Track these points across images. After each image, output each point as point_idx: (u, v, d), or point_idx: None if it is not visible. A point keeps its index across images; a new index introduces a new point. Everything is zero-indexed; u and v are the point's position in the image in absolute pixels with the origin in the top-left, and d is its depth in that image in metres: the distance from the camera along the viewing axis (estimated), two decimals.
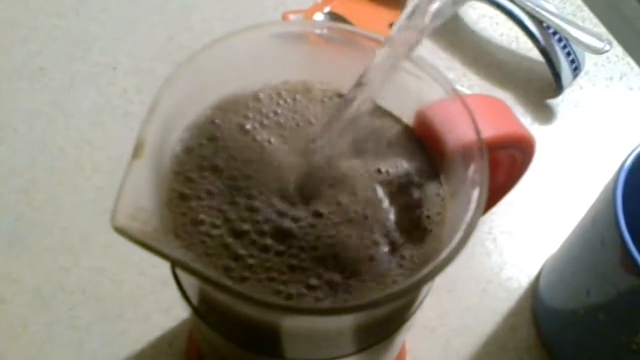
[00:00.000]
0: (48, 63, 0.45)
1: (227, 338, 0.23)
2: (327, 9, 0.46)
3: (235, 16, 0.49)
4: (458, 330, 0.38)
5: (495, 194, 0.29)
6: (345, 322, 0.22)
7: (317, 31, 0.25)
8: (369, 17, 0.47)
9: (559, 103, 0.48)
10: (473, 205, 0.20)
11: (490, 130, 0.23)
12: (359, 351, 0.24)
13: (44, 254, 0.38)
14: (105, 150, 0.41)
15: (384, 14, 0.47)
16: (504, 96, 0.47)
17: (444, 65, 0.48)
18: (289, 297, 0.20)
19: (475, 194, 0.21)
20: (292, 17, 0.45)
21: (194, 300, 0.23)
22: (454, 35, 0.50)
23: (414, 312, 0.25)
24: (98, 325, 0.36)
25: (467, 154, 0.22)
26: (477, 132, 0.22)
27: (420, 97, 0.24)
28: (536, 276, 0.40)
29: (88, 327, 0.36)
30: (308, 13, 0.46)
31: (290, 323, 0.22)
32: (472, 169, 0.22)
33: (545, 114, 0.47)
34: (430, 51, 0.49)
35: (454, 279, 0.40)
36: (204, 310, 0.23)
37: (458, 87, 0.43)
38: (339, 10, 0.46)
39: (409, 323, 0.25)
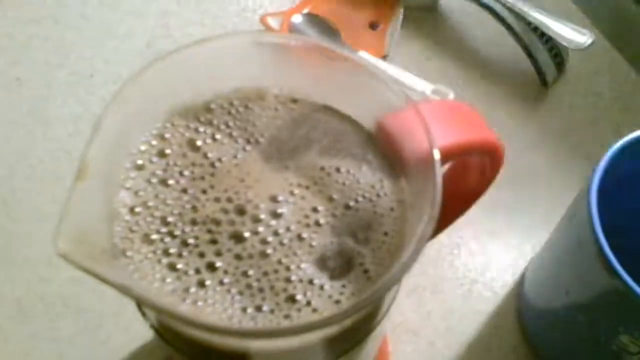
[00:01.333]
0: (25, 72, 0.45)
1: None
2: (306, 10, 0.46)
3: (213, 21, 0.48)
4: (442, 332, 0.38)
5: (467, 198, 0.29)
6: (308, 338, 0.22)
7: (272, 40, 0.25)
8: (348, 17, 0.46)
9: (544, 99, 0.47)
10: (424, 219, 0.20)
11: (449, 138, 0.23)
12: None
13: (23, 265, 0.38)
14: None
15: (363, 14, 0.47)
16: (489, 93, 0.47)
17: (428, 64, 0.48)
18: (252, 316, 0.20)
19: (427, 207, 0.20)
20: (270, 19, 0.45)
21: (154, 322, 0.23)
22: (438, 32, 0.50)
23: (379, 321, 0.25)
24: (79, 336, 0.36)
25: (422, 165, 0.22)
26: (430, 142, 0.21)
27: (380, 103, 0.24)
28: (521, 276, 0.39)
29: (69, 338, 0.36)
30: (287, 15, 0.45)
31: (247, 344, 0.21)
32: (427, 180, 0.21)
33: (530, 110, 0.47)
34: (414, 49, 0.48)
35: (438, 280, 0.39)
36: (164, 331, 0.23)
37: (440, 87, 0.43)
38: (318, 12, 0.46)
39: (376, 332, 0.25)
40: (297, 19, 0.45)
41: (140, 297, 0.18)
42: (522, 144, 0.45)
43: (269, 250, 0.21)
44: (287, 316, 0.20)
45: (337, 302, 0.21)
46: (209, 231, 0.21)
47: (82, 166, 0.19)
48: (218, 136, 0.23)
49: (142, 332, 0.36)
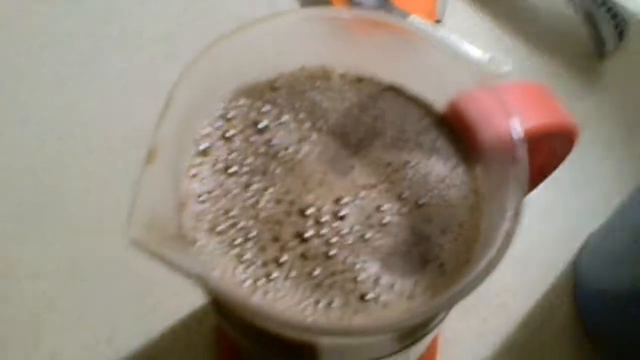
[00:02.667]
0: (75, 28, 0.44)
1: (256, 343, 0.23)
2: None
3: None
4: (495, 309, 0.37)
5: (534, 179, 0.28)
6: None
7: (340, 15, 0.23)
8: None
9: (603, 70, 0.45)
10: (510, 214, 0.19)
11: (529, 122, 0.22)
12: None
13: (77, 228, 0.38)
14: (130, 124, 0.41)
15: None
16: (545, 63, 0.45)
17: (481, 30, 0.45)
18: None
19: (513, 200, 0.19)
20: None
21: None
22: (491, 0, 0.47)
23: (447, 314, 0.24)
24: (129, 301, 0.36)
25: (504, 151, 0.21)
26: (516, 127, 0.20)
27: (453, 83, 0.23)
28: (578, 253, 0.38)
29: (120, 303, 0.36)
30: None
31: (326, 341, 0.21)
32: (510, 168, 0.20)
33: (588, 81, 0.45)
34: (467, 15, 0.46)
35: None
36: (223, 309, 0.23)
37: (496, 56, 0.41)
38: None
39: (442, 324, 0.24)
40: None
41: (216, 289, 0.18)
42: (582, 116, 0.43)
43: (333, 252, 0.20)
44: (356, 311, 0.20)
45: (410, 297, 0.20)
46: (271, 230, 0.21)
47: (152, 148, 0.19)
48: (284, 118, 0.22)
49: (191, 299, 0.36)
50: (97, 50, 0.43)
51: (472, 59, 0.21)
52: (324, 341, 0.20)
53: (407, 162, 0.22)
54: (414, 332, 0.22)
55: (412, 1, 0.44)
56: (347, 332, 0.18)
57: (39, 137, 0.40)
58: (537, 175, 0.27)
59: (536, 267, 0.38)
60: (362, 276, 0.20)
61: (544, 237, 0.39)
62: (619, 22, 0.43)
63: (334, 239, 0.20)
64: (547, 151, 0.26)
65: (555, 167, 0.26)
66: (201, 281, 0.18)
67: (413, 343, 0.22)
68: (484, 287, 0.36)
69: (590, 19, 0.43)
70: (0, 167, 0.39)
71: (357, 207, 0.21)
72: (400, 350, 0.23)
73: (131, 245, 0.18)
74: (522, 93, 0.23)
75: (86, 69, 0.43)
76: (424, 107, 0.23)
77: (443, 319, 0.23)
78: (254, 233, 0.20)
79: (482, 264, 0.19)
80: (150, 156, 0.19)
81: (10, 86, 0.42)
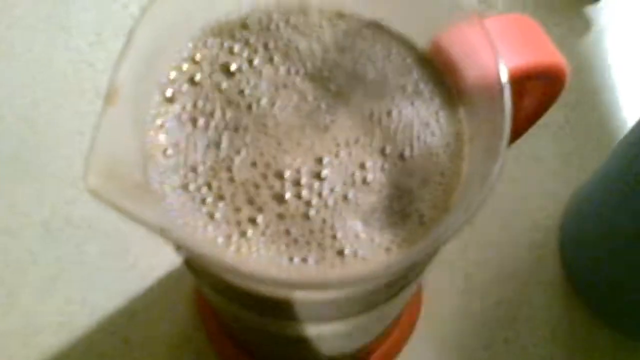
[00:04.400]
0: None
1: (231, 302, 0.22)
2: None
3: None
4: (479, 264, 0.36)
5: (519, 125, 0.27)
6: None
7: None
8: None
9: (597, 10, 0.44)
10: (492, 160, 0.18)
11: (516, 60, 0.20)
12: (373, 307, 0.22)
13: (48, 183, 0.36)
14: (106, 73, 0.39)
15: None
16: (535, 2, 0.43)
17: None
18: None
19: (494, 141, 0.18)
20: None
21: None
22: None
23: (427, 267, 0.23)
24: (106, 260, 0.35)
25: (488, 91, 0.19)
26: (501, 65, 0.19)
27: (436, 17, 0.21)
28: (565, 206, 0.37)
29: (96, 263, 0.35)
30: None
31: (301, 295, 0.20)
32: (494, 110, 0.19)
33: (581, 23, 0.43)
34: None
35: None
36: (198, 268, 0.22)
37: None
38: None
39: (421, 277, 0.23)
40: None
41: (180, 242, 0.17)
42: (573, 60, 0.41)
43: (312, 212, 0.19)
44: (333, 265, 0.19)
45: (388, 249, 0.19)
46: (246, 193, 0.19)
47: (111, 88, 0.17)
48: (256, 61, 0.21)
49: (169, 258, 0.35)
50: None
51: None
52: (298, 296, 0.19)
53: (390, 111, 0.21)
54: (393, 285, 0.21)
55: None
56: (319, 286, 0.17)
57: (11, 89, 0.39)
58: (524, 120, 0.26)
59: (521, 221, 0.37)
60: (340, 233, 0.19)
61: (530, 188, 0.38)
62: None
63: (314, 200, 0.19)
64: (535, 92, 0.25)
65: (543, 111, 0.25)
66: (169, 236, 0.17)
67: (392, 297, 0.22)
68: (469, 241, 0.36)
69: None
70: None
71: (338, 166, 0.20)
72: (378, 306, 0.22)
73: (90, 195, 0.16)
74: (508, 27, 0.22)
75: (57, 19, 0.41)
76: (406, 46, 0.22)
77: (422, 271, 0.22)
78: (227, 195, 0.19)
79: (461, 210, 0.18)
80: (109, 97, 0.17)
81: None
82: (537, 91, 0.25)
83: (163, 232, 0.16)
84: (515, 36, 0.22)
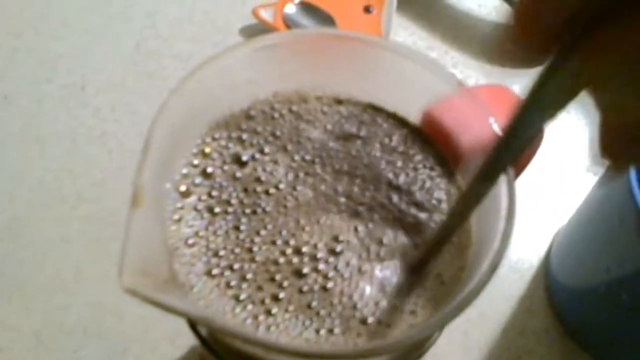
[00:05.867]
0: (11, 90, 0.42)
1: None
2: (298, 0, 0.44)
3: (203, 16, 0.46)
4: (475, 320, 0.37)
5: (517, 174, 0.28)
6: None
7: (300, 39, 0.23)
8: (341, 2, 0.45)
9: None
10: (503, 213, 0.19)
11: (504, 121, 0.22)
12: None
13: (37, 293, 0.36)
14: (86, 177, 0.39)
15: None
16: (490, 70, 0.46)
17: (425, 45, 0.46)
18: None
19: (504, 199, 0.19)
20: (262, 12, 0.43)
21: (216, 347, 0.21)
22: (431, 12, 0.49)
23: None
24: None
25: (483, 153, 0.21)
26: (495, 129, 0.20)
27: (425, 93, 0.23)
28: (546, 254, 0.39)
29: None
30: (279, 6, 0.44)
31: None
32: None
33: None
34: (409, 32, 0.47)
35: None
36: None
37: (451, 71, 0.42)
38: (312, 0, 0.44)
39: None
40: (290, 9, 0.44)
41: (223, 329, 0.17)
42: None
43: (330, 285, 0.20)
44: (359, 335, 0.19)
45: (412, 312, 0.20)
46: (267, 271, 0.20)
47: (136, 191, 0.18)
48: (267, 149, 0.22)
49: (169, 353, 0.34)
50: (39, 110, 0.42)
51: (442, 66, 0.21)
52: None
53: (398, 186, 0.22)
54: (416, 348, 0.22)
55: (356, 22, 0.45)
56: (352, 355, 0.18)
57: None
58: (518, 169, 0.27)
59: (508, 273, 0.38)
60: (360, 303, 0.20)
61: (512, 240, 0.39)
62: None
63: (331, 274, 0.20)
64: None
65: (529, 161, 0.26)
66: (207, 323, 0.17)
67: (418, 357, 0.22)
68: None
69: None
70: None
71: (353, 242, 0.21)
72: None
73: (126, 293, 0.17)
74: (490, 96, 0.24)
75: (31, 131, 0.41)
76: (401, 122, 0.23)
77: (440, 334, 0.23)
78: (249, 275, 0.20)
79: (484, 266, 0.19)
80: (135, 199, 0.18)
81: None
82: None
83: (202, 322, 0.17)
84: (497, 102, 0.23)
